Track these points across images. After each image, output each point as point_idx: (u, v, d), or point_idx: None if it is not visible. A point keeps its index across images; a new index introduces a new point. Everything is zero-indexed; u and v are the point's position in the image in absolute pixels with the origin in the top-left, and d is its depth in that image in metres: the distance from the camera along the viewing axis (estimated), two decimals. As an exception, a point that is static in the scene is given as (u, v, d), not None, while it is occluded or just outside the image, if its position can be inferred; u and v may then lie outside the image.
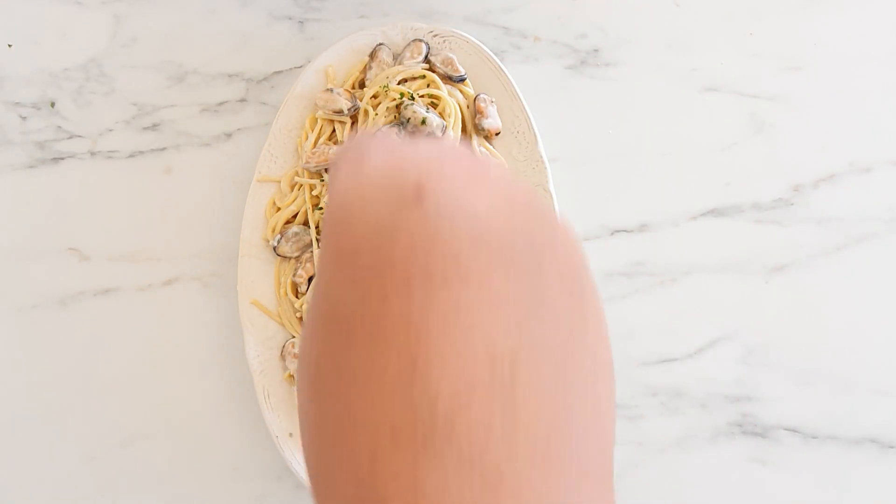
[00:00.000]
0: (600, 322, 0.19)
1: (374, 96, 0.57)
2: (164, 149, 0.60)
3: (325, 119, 0.58)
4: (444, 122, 0.56)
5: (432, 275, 0.17)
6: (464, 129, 0.58)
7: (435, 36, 0.58)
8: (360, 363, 0.17)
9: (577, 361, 0.18)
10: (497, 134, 0.57)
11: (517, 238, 0.17)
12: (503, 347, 0.16)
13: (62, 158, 0.60)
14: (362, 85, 0.59)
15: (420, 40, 0.58)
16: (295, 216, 0.57)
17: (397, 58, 0.58)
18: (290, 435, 0.56)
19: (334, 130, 0.58)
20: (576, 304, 0.18)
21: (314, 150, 0.56)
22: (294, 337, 0.57)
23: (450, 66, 0.57)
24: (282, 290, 0.57)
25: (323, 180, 0.57)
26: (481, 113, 0.57)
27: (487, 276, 0.17)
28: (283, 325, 0.57)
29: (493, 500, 0.16)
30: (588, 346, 0.18)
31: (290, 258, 0.57)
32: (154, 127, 0.61)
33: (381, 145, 0.19)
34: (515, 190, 0.18)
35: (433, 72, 0.57)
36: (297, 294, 0.57)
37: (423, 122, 0.55)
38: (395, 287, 0.17)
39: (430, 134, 0.55)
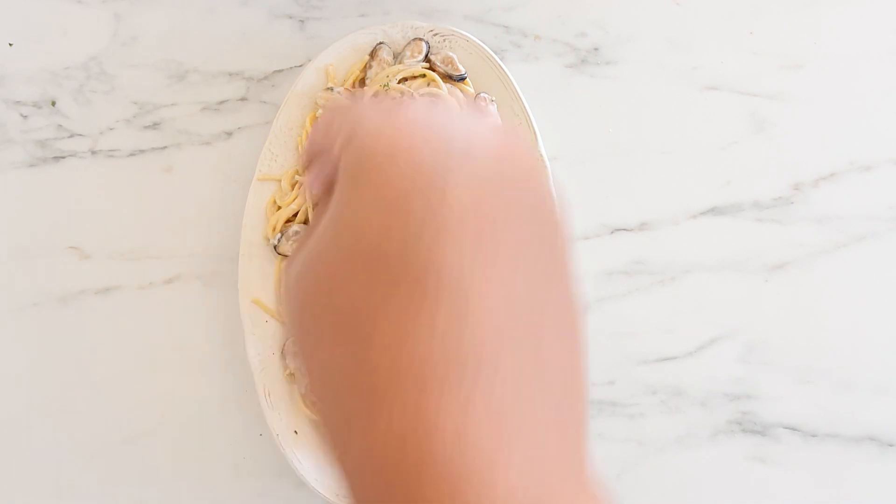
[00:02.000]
0: (579, 299, 0.20)
1: (375, 95, 0.57)
2: (164, 147, 0.60)
3: (325, 118, 0.58)
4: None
5: (479, 234, 0.17)
6: (464, 128, 0.58)
7: (435, 35, 0.58)
8: (406, 309, 0.17)
9: (575, 326, 0.19)
10: (497, 132, 0.57)
11: (544, 213, 0.19)
12: (536, 312, 0.18)
13: (63, 157, 0.60)
14: (363, 83, 0.59)
15: (420, 39, 0.58)
16: (295, 215, 0.57)
17: (398, 56, 0.58)
18: (296, 433, 0.56)
19: (335, 129, 0.58)
20: (572, 273, 0.20)
21: (314, 149, 0.56)
22: (294, 335, 0.57)
23: (450, 65, 0.57)
24: (282, 289, 0.57)
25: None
26: (482, 112, 0.57)
27: (516, 239, 0.18)
28: (283, 323, 0.57)
29: (524, 449, 0.17)
30: (578, 318, 0.20)
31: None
32: (155, 125, 0.61)
33: (410, 105, 0.20)
34: (536, 160, 0.20)
35: (433, 70, 0.57)
36: (297, 292, 0.57)
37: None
38: (445, 242, 0.17)
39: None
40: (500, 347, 0.17)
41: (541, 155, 0.17)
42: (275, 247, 0.57)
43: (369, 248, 0.18)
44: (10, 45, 0.61)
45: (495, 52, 0.59)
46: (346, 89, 0.57)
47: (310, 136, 0.21)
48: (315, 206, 0.22)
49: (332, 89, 0.57)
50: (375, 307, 0.18)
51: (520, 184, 0.18)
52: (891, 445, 0.59)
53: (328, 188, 0.21)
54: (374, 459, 0.17)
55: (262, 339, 0.57)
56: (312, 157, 0.22)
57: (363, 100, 0.21)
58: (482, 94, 0.57)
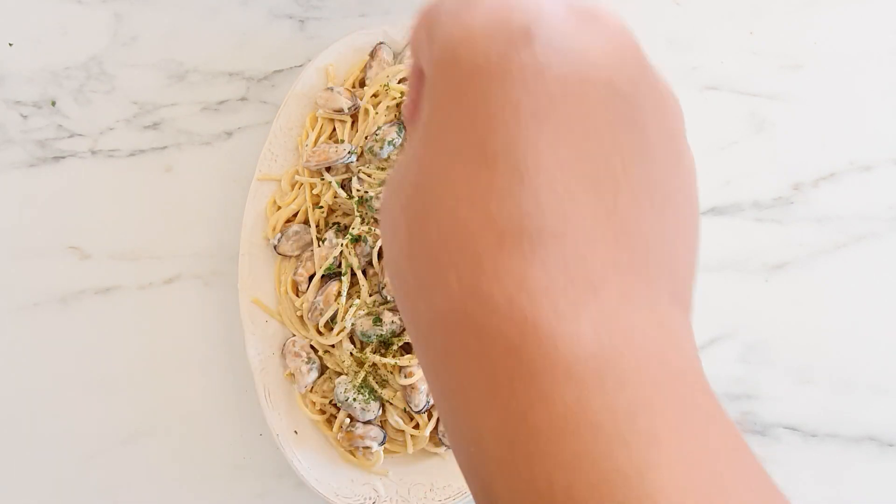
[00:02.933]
0: (692, 180, 0.20)
1: (375, 95, 0.57)
2: (164, 147, 0.60)
3: (325, 118, 0.58)
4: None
5: (539, 106, 0.18)
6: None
7: (435, 34, 0.58)
8: (466, 176, 0.18)
9: (671, 204, 0.19)
10: (497, 132, 0.57)
11: (627, 82, 0.19)
12: (607, 175, 0.18)
13: (63, 157, 0.60)
14: (363, 84, 0.59)
15: (420, 39, 0.58)
16: (295, 215, 0.57)
17: (398, 56, 0.58)
18: (296, 433, 0.56)
19: (335, 129, 0.58)
20: (672, 160, 0.20)
21: (314, 149, 0.56)
22: (294, 335, 0.57)
23: (450, 65, 0.57)
24: (282, 289, 0.57)
25: (323, 179, 0.57)
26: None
27: (595, 113, 0.18)
28: (283, 323, 0.57)
29: (594, 300, 0.17)
30: (681, 198, 0.20)
31: (290, 256, 0.57)
32: (155, 125, 0.61)
33: None
34: (628, 40, 0.19)
35: (433, 70, 0.57)
36: (297, 292, 0.57)
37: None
38: (504, 116, 0.18)
39: None
40: (560, 206, 0.17)
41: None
42: (275, 247, 0.57)
43: (434, 136, 0.19)
44: (10, 45, 0.61)
45: (495, 52, 0.58)
46: (347, 89, 0.57)
47: (411, 46, 0.23)
48: (410, 115, 0.23)
49: (332, 89, 0.57)
50: (439, 178, 0.18)
51: (590, 57, 0.18)
52: (891, 445, 0.59)
53: (418, 99, 0.22)
54: (439, 322, 0.18)
55: (262, 339, 0.57)
56: (412, 69, 0.23)
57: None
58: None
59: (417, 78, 0.22)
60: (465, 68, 0.18)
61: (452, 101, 0.18)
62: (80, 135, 0.60)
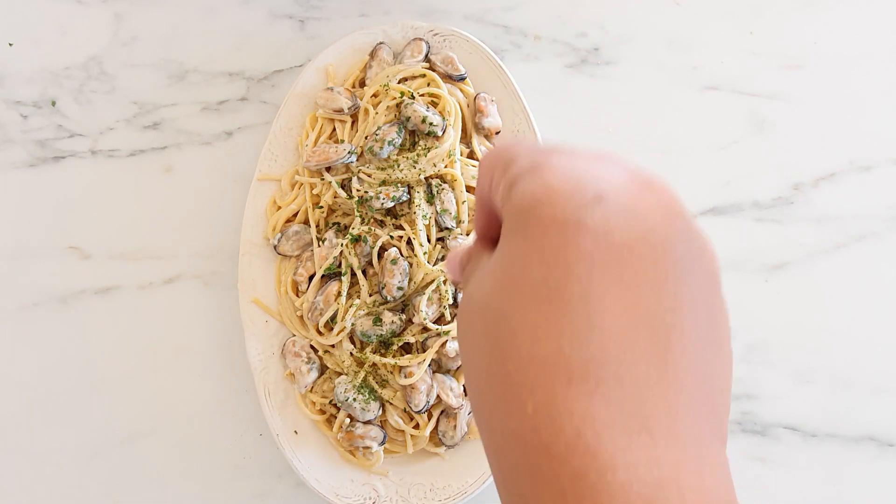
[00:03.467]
0: (726, 323, 0.24)
1: (375, 95, 0.57)
2: (164, 147, 0.60)
3: (325, 118, 0.58)
4: (445, 121, 0.56)
5: (608, 262, 0.21)
6: (464, 128, 0.58)
7: (435, 35, 0.58)
8: (542, 320, 0.21)
9: (712, 347, 0.22)
10: (497, 132, 0.57)
11: (678, 244, 0.22)
12: (660, 325, 0.21)
13: (63, 157, 0.60)
14: (363, 84, 0.59)
15: (420, 39, 0.58)
16: (295, 215, 0.58)
17: (398, 56, 0.58)
18: (296, 433, 0.56)
19: (335, 129, 0.58)
20: (712, 309, 0.23)
21: (314, 149, 0.56)
22: (294, 335, 0.57)
23: (450, 65, 0.57)
24: (282, 289, 0.57)
25: (323, 179, 0.57)
26: (481, 111, 0.57)
27: (652, 270, 0.21)
28: (283, 323, 0.57)
29: (647, 436, 0.20)
30: (719, 341, 0.23)
31: (290, 256, 0.57)
32: (155, 125, 0.61)
33: (562, 154, 0.24)
34: (676, 204, 0.23)
35: (433, 70, 0.57)
36: (297, 292, 0.57)
37: (424, 120, 0.55)
38: (578, 269, 0.21)
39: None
40: (622, 352, 0.21)
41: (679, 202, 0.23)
42: (275, 246, 0.57)
43: (516, 278, 0.22)
44: (10, 45, 0.61)
45: (495, 52, 0.59)
46: (347, 89, 0.57)
47: (477, 188, 0.27)
48: (476, 241, 0.28)
49: (332, 89, 0.57)
50: (519, 316, 0.22)
51: (649, 221, 0.22)
52: (890, 445, 0.59)
53: (487, 232, 0.27)
54: (513, 439, 0.21)
55: (262, 339, 0.57)
56: (480, 204, 0.27)
57: (518, 149, 0.25)
58: (482, 94, 0.57)
59: (487, 209, 0.26)
60: (546, 221, 0.22)
61: (533, 248, 0.22)
62: (80, 135, 0.61)
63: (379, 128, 0.55)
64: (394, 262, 0.54)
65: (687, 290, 0.22)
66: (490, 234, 0.27)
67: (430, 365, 0.54)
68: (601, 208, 0.22)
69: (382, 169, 0.55)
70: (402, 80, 0.57)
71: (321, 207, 0.57)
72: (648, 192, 0.23)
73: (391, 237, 0.55)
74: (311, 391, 0.56)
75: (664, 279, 0.22)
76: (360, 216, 0.55)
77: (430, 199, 0.55)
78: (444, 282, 0.54)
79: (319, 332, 0.56)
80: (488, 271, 0.24)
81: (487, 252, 0.26)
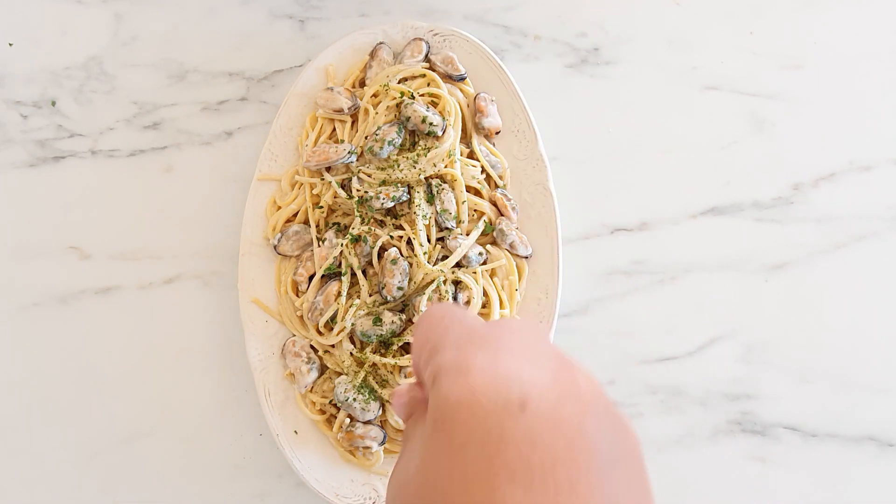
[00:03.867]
0: (651, 496, 0.24)
1: (375, 95, 0.57)
2: (164, 147, 0.60)
3: (325, 118, 0.58)
4: (445, 121, 0.56)
5: (533, 477, 0.21)
6: (464, 128, 0.58)
7: (435, 35, 0.58)
8: None
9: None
10: (497, 132, 0.57)
11: (602, 444, 0.22)
12: None
13: (63, 157, 0.60)
14: (363, 84, 0.59)
15: (420, 39, 0.58)
16: (295, 215, 0.58)
17: (398, 56, 0.58)
18: (296, 433, 0.56)
19: (335, 129, 0.58)
20: (639, 486, 0.23)
21: (315, 149, 0.56)
22: (294, 335, 0.57)
23: (450, 65, 0.57)
24: (282, 289, 0.57)
25: (323, 179, 0.57)
26: (481, 111, 0.57)
27: (577, 478, 0.21)
28: (283, 323, 0.57)
29: None
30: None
31: (290, 256, 0.57)
32: (155, 125, 0.61)
33: (487, 351, 0.24)
34: (595, 395, 0.24)
35: (433, 70, 0.57)
36: (297, 292, 0.57)
37: (424, 120, 0.55)
38: (500, 482, 0.21)
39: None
40: None
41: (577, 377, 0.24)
42: (275, 246, 0.57)
43: (438, 491, 0.22)
44: (10, 45, 0.61)
45: (495, 52, 0.59)
46: (347, 89, 0.57)
47: (412, 358, 0.27)
48: (417, 384, 0.29)
49: (332, 89, 0.57)
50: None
51: (573, 427, 0.22)
52: (890, 445, 0.59)
53: (414, 408, 0.27)
54: None
55: (262, 339, 0.57)
56: (415, 368, 0.27)
57: (446, 332, 0.26)
58: (482, 94, 0.57)
59: (418, 382, 0.27)
60: (470, 430, 0.22)
61: (457, 462, 0.22)
62: (80, 135, 0.61)
63: (379, 128, 0.55)
64: (394, 262, 0.54)
65: (614, 483, 0.22)
66: (428, 388, 0.27)
67: (430, 365, 0.54)
68: (524, 419, 0.22)
69: (382, 169, 0.55)
70: (402, 80, 0.57)
71: (321, 207, 0.57)
72: (572, 394, 0.23)
73: (391, 237, 0.55)
74: (311, 391, 0.56)
75: (588, 492, 0.21)
76: (360, 216, 0.55)
77: (430, 199, 0.55)
78: (445, 282, 0.54)
79: (319, 332, 0.56)
80: (413, 468, 0.24)
81: (422, 419, 0.26)
